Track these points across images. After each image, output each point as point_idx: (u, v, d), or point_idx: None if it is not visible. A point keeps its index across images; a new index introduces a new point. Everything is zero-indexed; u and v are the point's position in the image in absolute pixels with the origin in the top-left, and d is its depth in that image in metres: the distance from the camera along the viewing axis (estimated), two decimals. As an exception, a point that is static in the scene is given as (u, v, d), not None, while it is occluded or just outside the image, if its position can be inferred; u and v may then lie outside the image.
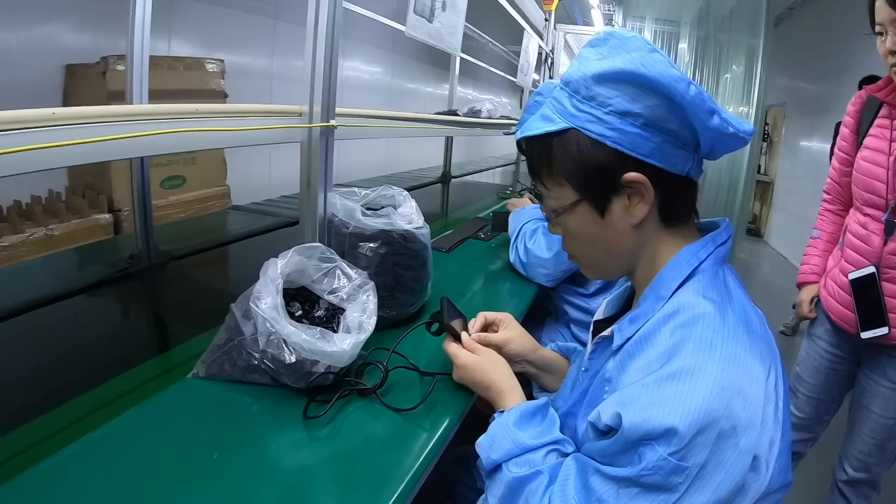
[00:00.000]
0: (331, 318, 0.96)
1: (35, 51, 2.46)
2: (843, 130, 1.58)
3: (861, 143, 1.49)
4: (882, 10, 1.28)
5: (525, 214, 1.70)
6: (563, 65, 3.76)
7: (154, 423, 0.84)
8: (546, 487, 0.70)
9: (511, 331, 1.02)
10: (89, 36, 2.66)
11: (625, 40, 0.69)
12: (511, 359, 1.00)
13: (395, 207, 1.20)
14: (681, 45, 3.51)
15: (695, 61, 3.50)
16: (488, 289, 1.58)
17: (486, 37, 3.26)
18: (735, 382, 0.59)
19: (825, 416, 1.76)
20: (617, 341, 0.74)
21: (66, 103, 2.56)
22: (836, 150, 1.64)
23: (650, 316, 0.70)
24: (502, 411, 0.82)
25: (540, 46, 3.34)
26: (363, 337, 0.89)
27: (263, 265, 0.90)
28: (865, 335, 1.46)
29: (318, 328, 0.87)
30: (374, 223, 1.06)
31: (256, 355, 0.87)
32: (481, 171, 3.99)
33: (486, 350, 0.94)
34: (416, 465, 0.77)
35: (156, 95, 2.73)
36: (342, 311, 0.96)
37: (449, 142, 3.33)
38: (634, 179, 0.69)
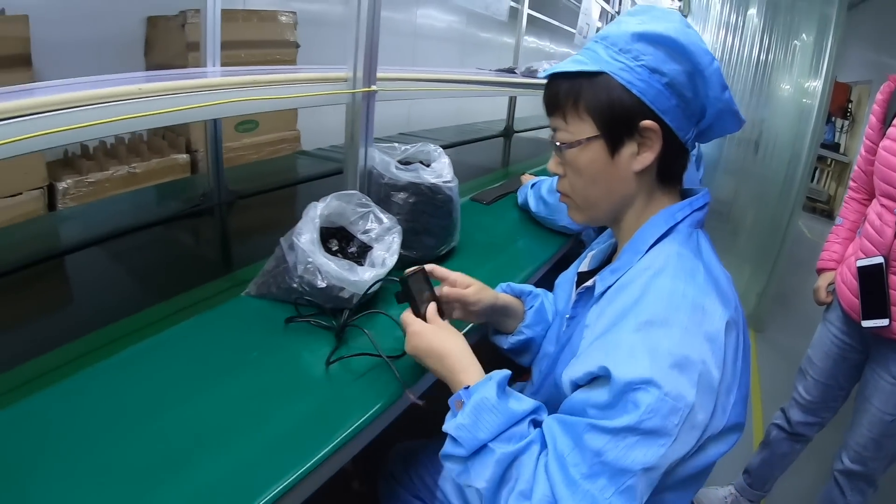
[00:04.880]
0: (361, 254, 1.13)
1: (117, 2, 2.58)
2: (871, 119, 1.57)
3: (885, 133, 1.48)
4: None
5: (530, 182, 1.88)
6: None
7: (212, 327, 1.05)
8: (538, 456, 0.72)
9: (475, 285, 1.04)
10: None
11: (667, 13, 0.79)
12: (482, 312, 1.06)
13: (428, 163, 1.34)
14: (750, 11, 3.41)
15: (763, 27, 3.37)
16: (516, 240, 1.68)
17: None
18: (706, 329, 0.67)
19: (832, 402, 1.78)
20: (598, 290, 0.82)
21: (147, 54, 2.75)
22: (864, 138, 1.63)
23: (628, 268, 0.78)
24: (468, 387, 0.80)
25: (603, 7, 3.35)
26: (383, 271, 1.05)
27: (306, 207, 1.07)
28: (866, 324, 1.48)
29: (349, 262, 1.04)
30: (405, 176, 1.21)
31: (296, 280, 1.04)
32: (543, 127, 3.97)
33: (443, 322, 0.92)
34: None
35: (233, 46, 2.90)
36: (371, 248, 1.12)
37: (513, 98, 3.33)
38: (649, 127, 0.77)
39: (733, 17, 3.52)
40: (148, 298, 1.13)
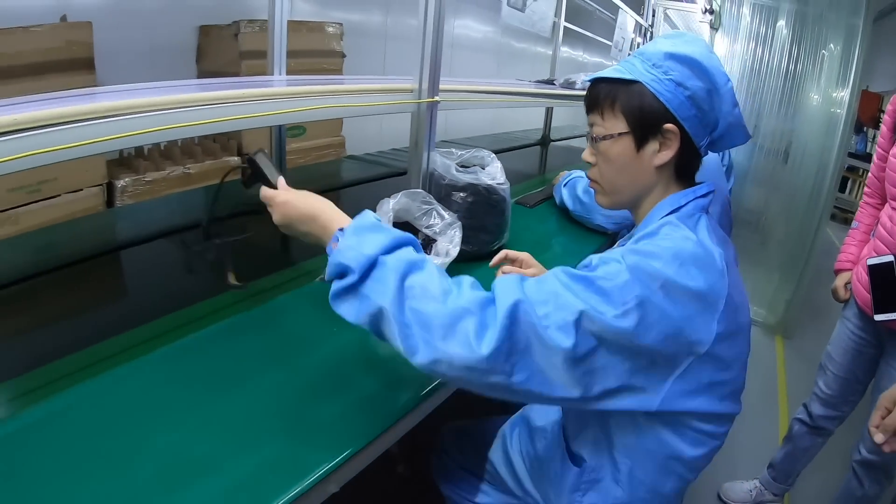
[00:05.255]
0: (426, 246, 1.27)
1: (171, 12, 2.74)
2: (883, 129, 1.69)
3: (895, 142, 1.60)
4: None
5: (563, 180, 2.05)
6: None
7: (292, 308, 1.21)
8: (439, 275, 0.80)
9: (536, 267, 1.23)
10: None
11: (695, 39, 0.97)
12: None
13: (482, 167, 1.48)
14: (779, 23, 3.46)
15: (791, 38, 3.45)
16: (558, 240, 1.84)
17: (594, 4, 3.42)
18: (681, 279, 0.79)
19: (851, 395, 1.87)
20: None
21: (199, 61, 2.93)
22: (876, 147, 1.75)
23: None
24: (342, 228, 0.85)
25: (637, 21, 3.48)
26: (448, 260, 1.19)
27: (379, 202, 1.22)
28: (878, 317, 1.58)
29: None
30: (464, 177, 1.36)
31: (370, 267, 1.18)
32: (579, 136, 4.05)
33: (299, 191, 0.97)
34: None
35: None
36: (434, 241, 1.26)
37: (550, 108, 3.48)
38: (671, 129, 0.92)
39: (763, 29, 3.62)
40: (218, 287, 1.26)
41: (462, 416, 1.44)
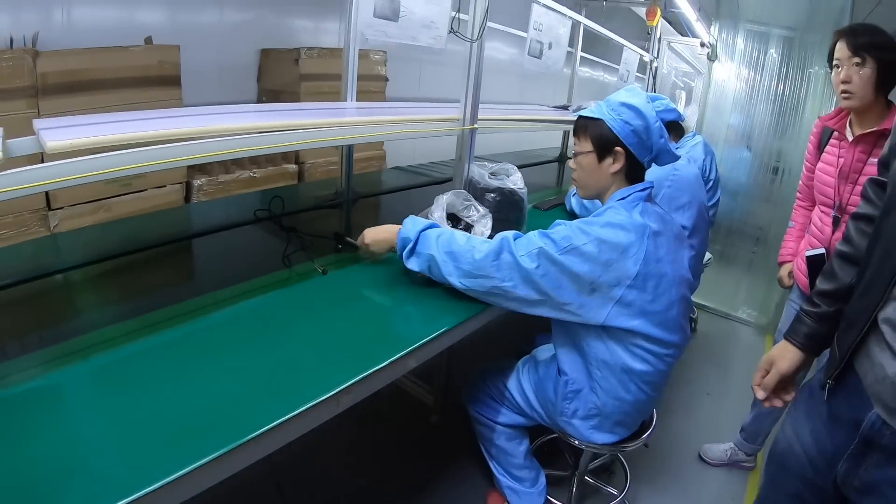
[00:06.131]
0: (467, 230, 1.74)
1: (235, 36, 3.16)
2: (809, 147, 2.11)
3: (820, 158, 2.00)
4: (841, 50, 1.74)
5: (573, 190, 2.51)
6: (666, 68, 4.30)
7: (369, 273, 1.66)
8: (461, 234, 1.47)
9: None
10: (283, 25, 3.43)
11: (640, 93, 1.46)
12: None
13: (507, 175, 1.96)
14: (770, 50, 3.84)
15: (780, 62, 3.82)
16: None
17: (607, 34, 3.85)
18: (609, 237, 1.32)
19: None
20: None
21: (259, 80, 3.39)
22: (805, 161, 2.16)
23: None
24: (400, 230, 1.52)
25: (642, 56, 3.94)
26: (484, 239, 1.67)
27: (435, 197, 1.70)
28: None
29: (462, 231, 1.66)
30: (494, 183, 1.84)
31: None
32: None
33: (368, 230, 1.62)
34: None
35: (337, 78, 3.48)
36: (472, 226, 1.74)
37: (566, 131, 3.87)
38: (619, 150, 1.42)
39: (755, 55, 4.01)
40: (316, 252, 1.72)
41: (488, 360, 1.92)
